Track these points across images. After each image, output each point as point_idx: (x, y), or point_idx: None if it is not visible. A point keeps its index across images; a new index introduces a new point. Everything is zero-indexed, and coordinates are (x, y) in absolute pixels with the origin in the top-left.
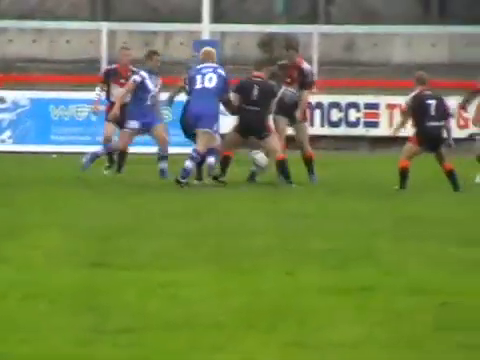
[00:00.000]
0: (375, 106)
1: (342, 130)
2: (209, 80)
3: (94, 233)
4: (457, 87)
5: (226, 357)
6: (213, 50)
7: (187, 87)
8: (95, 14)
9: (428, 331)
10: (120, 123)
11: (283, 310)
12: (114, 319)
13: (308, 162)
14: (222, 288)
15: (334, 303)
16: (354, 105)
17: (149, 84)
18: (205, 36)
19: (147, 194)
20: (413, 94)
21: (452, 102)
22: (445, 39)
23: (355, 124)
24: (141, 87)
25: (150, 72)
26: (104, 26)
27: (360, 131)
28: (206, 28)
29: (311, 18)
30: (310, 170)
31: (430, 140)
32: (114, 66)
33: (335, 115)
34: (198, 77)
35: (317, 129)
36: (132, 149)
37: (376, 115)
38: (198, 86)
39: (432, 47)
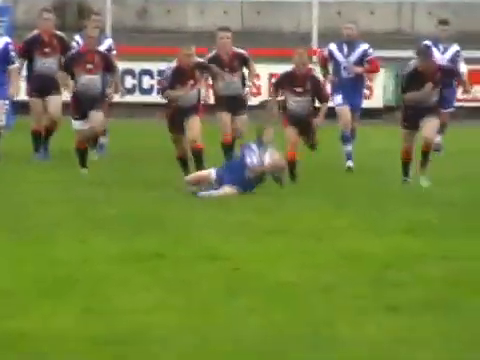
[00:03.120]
0: None
1: (136, 97)
2: None
3: None
4: (249, 54)
5: (18, 324)
6: None
7: None
8: None
9: (219, 296)
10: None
11: (76, 278)
12: None
13: None
14: (14, 256)
15: (126, 271)
16: (148, 72)
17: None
18: None
19: None
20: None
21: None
22: (237, 6)
23: (149, 91)
24: None
25: None
26: None
27: (154, 98)
28: None
29: None
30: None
31: None
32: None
33: (129, 82)
34: None
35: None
36: None
37: None
38: None
39: (224, 14)
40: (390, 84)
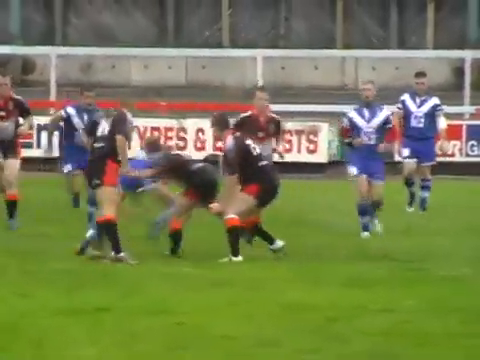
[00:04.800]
0: None
1: None
2: None
3: None
4: (194, 109)
5: None
6: None
7: None
8: None
9: (163, 350)
10: None
11: (18, 331)
12: None
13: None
14: None
15: (69, 324)
16: None
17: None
18: None
19: None
20: None
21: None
22: (181, 61)
23: None
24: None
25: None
26: None
27: None
28: None
29: (48, 39)
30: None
31: None
32: None
33: None
34: None
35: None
36: None
37: None
38: None
39: (169, 69)
40: (335, 139)
